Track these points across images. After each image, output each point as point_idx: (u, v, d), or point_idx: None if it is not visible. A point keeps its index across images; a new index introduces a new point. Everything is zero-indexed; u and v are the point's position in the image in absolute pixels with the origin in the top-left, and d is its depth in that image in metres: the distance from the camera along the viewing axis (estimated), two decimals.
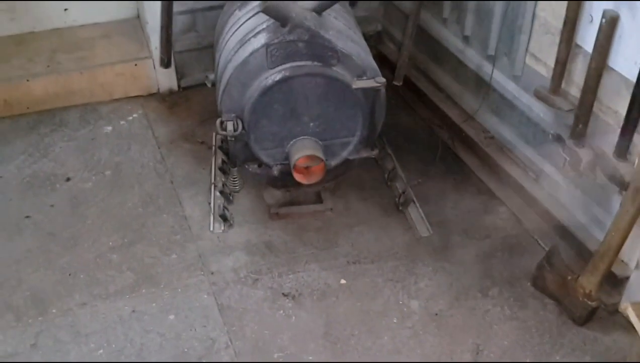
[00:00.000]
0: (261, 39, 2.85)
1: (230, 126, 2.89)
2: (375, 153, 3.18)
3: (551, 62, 2.98)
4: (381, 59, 4.11)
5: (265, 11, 2.72)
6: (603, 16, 2.53)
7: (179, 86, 4.28)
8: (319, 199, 3.37)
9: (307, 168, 2.98)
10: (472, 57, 3.61)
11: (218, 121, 2.94)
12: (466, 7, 3.56)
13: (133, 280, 2.96)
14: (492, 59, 3.43)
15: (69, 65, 4.07)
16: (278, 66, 2.85)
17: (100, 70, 4.08)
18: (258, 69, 2.86)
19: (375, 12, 4.51)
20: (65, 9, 4.37)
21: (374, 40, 4.43)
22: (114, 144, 3.81)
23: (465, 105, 3.75)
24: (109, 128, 3.94)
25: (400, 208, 3.35)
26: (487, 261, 3.05)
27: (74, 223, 3.25)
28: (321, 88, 2.89)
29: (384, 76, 2.98)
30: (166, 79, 4.23)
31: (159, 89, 4.25)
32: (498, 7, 3.29)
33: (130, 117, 4.05)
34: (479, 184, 3.51)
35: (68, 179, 3.53)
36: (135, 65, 4.13)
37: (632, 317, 2.34)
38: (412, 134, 3.89)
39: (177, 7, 4.00)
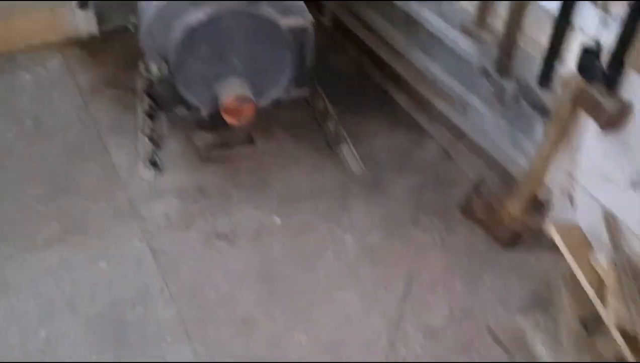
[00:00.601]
0: None
1: (154, 68, 2.80)
2: (305, 92, 3.15)
3: None
4: None
5: None
6: None
7: (100, 31, 4.10)
8: (250, 141, 3.33)
9: (236, 108, 2.92)
10: None
11: (142, 63, 2.84)
12: None
13: (61, 230, 2.86)
14: None
15: None
16: (202, 4, 2.75)
17: (16, 17, 3.84)
18: (181, 8, 2.76)
19: None
20: None
21: None
22: (34, 93, 3.63)
23: (396, 43, 3.74)
24: (28, 77, 3.74)
25: (333, 146, 3.36)
26: (418, 195, 3.11)
27: None
28: (248, 27, 2.82)
29: (313, 16, 2.92)
30: (85, 24, 4.03)
31: (78, 34, 4.05)
32: None
33: (50, 65, 3.85)
34: (410, 121, 3.55)
35: None
36: (53, 10, 3.91)
37: (555, 236, 2.45)
38: (343, 74, 3.87)
39: None
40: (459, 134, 3.32)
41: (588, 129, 2.56)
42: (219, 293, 2.66)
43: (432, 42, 3.45)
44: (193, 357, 2.41)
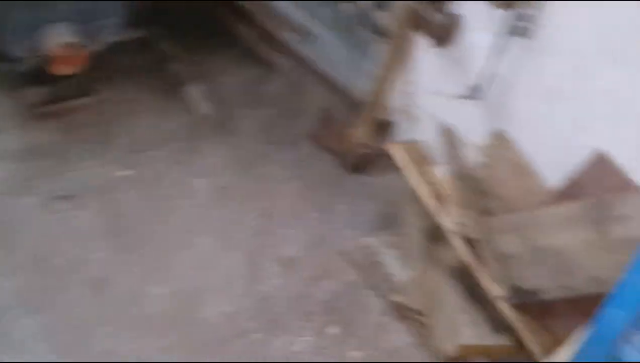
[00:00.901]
0: None
1: None
2: (141, 32, 2.96)
3: None
4: None
5: None
6: None
7: None
8: (89, 91, 3.10)
9: (64, 56, 2.69)
10: None
11: None
12: None
13: None
14: None
15: None
16: None
17: None
18: None
19: None
20: None
21: None
22: None
23: None
24: None
25: (178, 89, 3.21)
26: (268, 130, 3.07)
27: None
28: None
29: None
30: None
31: None
32: None
33: None
34: (257, 56, 3.45)
35: None
36: None
37: (395, 154, 2.50)
38: (185, 11, 3.64)
39: None
40: (305, 65, 3.27)
41: (422, 47, 2.59)
42: (66, 257, 2.50)
43: None
44: (42, 328, 2.27)
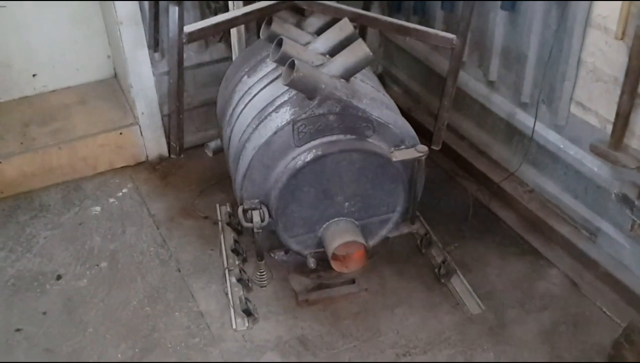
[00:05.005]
0: (285, 115, 2.46)
1: (257, 216, 2.48)
2: (416, 227, 2.81)
3: (603, 112, 2.69)
4: None
5: (291, 85, 2.34)
6: None
7: (169, 152, 3.85)
8: (350, 279, 2.97)
9: (346, 255, 2.59)
10: (500, 103, 3.29)
11: (240, 210, 2.53)
12: (490, 50, 3.24)
13: None
14: (526, 106, 3.12)
15: (44, 140, 3.61)
16: (307, 143, 2.47)
17: (81, 142, 3.63)
18: (284, 149, 2.48)
19: (375, 52, 4.17)
20: (34, 75, 3.91)
21: None
22: (106, 227, 3.36)
23: (495, 155, 3.42)
24: (98, 208, 3.49)
25: (442, 280, 2.99)
26: (552, 339, 2.71)
27: (73, 334, 2.79)
28: (357, 164, 2.52)
29: None
30: (155, 146, 3.80)
31: (147, 156, 3.82)
32: (532, 52, 2.98)
33: (120, 193, 3.60)
34: (522, 244, 3.17)
35: (59, 278, 3.07)
36: (120, 134, 3.69)
37: None
38: (437, 189, 3.52)
39: (162, 66, 3.62)
40: (586, 263, 2.93)
41: None
42: None
43: (544, 157, 3.12)
44: None
